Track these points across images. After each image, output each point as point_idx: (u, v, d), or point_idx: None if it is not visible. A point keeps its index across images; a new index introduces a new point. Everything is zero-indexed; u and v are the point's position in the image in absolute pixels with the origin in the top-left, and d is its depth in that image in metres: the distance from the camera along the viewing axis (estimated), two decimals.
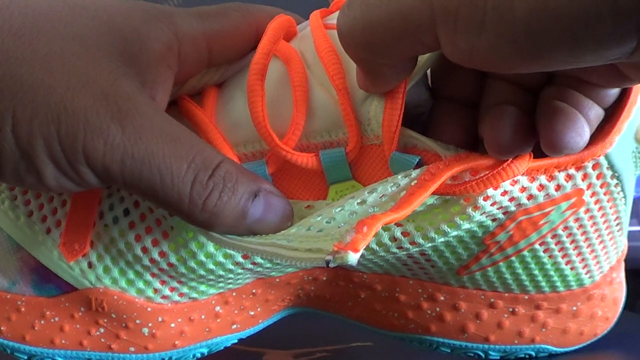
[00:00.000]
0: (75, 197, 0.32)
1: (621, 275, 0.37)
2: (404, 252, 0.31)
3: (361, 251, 0.23)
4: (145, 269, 0.32)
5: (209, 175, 0.27)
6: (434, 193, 0.28)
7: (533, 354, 0.35)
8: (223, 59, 0.32)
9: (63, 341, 0.33)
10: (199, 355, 0.35)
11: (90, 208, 0.31)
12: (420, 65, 0.28)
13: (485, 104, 0.29)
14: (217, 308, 0.34)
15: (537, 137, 0.28)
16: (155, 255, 0.31)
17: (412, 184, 0.28)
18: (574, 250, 0.32)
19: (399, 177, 0.28)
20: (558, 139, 0.26)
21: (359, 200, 0.28)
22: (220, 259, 0.31)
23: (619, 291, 0.37)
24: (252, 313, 0.35)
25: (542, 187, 0.29)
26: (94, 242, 0.32)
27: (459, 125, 0.30)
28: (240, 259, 0.31)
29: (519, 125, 0.27)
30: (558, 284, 0.34)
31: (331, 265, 0.23)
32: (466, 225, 0.30)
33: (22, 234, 0.32)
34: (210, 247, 0.31)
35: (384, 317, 0.36)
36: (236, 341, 0.35)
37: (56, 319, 0.33)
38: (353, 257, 0.23)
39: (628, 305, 0.37)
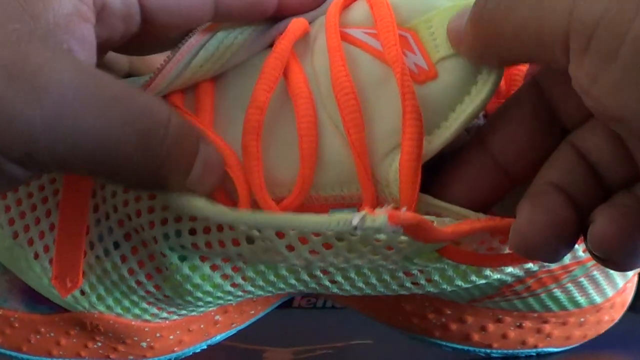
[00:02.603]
0: (62, 224, 0.29)
1: (634, 280, 0.35)
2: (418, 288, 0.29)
3: (397, 227, 0.21)
4: (141, 299, 0.30)
5: (164, 134, 0.24)
6: (463, 262, 0.26)
7: (534, 354, 0.35)
8: (165, 20, 0.28)
9: (61, 352, 0.32)
10: (198, 350, 0.35)
11: (79, 237, 0.29)
12: (465, 117, 0.25)
13: (537, 181, 0.25)
14: (217, 317, 0.33)
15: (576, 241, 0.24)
16: (151, 288, 0.30)
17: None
18: (593, 289, 0.31)
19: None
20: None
21: None
22: (219, 294, 0.30)
23: (629, 295, 0.36)
24: (252, 312, 0.34)
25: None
26: (86, 271, 0.30)
27: (483, 183, 0.26)
28: (240, 293, 0.30)
29: (563, 226, 0.23)
30: (568, 306, 0.33)
31: (359, 228, 0.21)
32: (482, 281, 0.28)
33: (9, 258, 0.30)
34: (208, 287, 0.29)
35: (387, 315, 0.35)
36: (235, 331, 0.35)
37: (52, 334, 0.32)
38: (386, 221, 0.20)
39: (629, 306, 0.37)
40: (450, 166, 0.27)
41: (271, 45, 0.30)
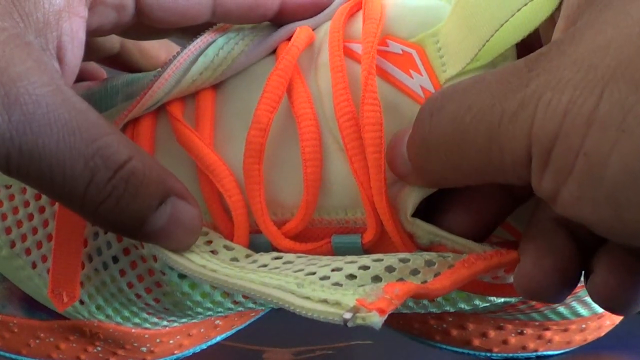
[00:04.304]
0: (58, 237, 0.29)
1: None
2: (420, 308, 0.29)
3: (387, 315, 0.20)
4: (140, 310, 0.30)
5: (109, 177, 0.23)
6: (468, 290, 0.26)
7: (534, 357, 0.35)
8: (160, 16, 0.28)
9: (60, 356, 0.32)
10: (197, 350, 0.35)
11: (76, 251, 0.28)
12: None
13: (538, 216, 0.24)
14: (217, 322, 0.33)
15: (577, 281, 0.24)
16: (150, 301, 0.29)
17: (447, 267, 0.24)
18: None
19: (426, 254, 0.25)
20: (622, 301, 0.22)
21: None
22: (220, 309, 0.29)
23: None
24: (252, 314, 0.34)
25: None
26: (84, 282, 0.29)
27: (488, 206, 0.26)
28: (240, 308, 0.30)
29: (568, 268, 0.23)
30: (570, 317, 0.32)
31: (349, 325, 0.21)
32: (485, 304, 0.28)
33: (7, 267, 0.30)
34: (208, 304, 0.29)
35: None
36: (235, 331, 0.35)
37: (51, 339, 0.32)
38: (378, 320, 0.20)
39: None
40: (456, 190, 0.26)
41: (273, 51, 0.29)
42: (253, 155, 0.26)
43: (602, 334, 0.35)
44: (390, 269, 0.23)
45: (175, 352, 0.33)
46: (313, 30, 0.29)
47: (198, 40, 0.29)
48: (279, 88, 0.26)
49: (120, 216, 0.24)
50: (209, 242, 0.27)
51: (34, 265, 0.30)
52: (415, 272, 0.23)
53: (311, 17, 0.30)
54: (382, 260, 0.23)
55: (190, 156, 0.27)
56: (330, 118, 0.26)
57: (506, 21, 0.24)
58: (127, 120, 0.28)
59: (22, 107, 0.22)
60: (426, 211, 0.26)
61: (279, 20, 0.30)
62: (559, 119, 0.20)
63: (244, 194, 0.26)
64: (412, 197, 0.25)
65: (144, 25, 0.29)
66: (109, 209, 0.24)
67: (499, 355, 0.35)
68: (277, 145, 0.27)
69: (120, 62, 0.36)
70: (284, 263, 0.25)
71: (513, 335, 0.33)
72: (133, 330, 0.31)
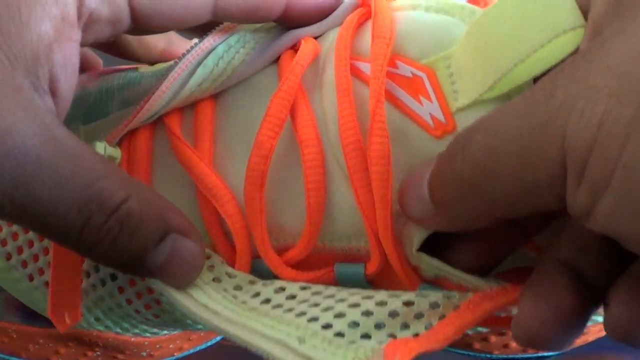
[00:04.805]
0: (56, 255, 0.28)
1: None
2: None
3: None
4: (140, 322, 0.30)
5: (103, 221, 0.23)
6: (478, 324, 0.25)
7: (534, 357, 0.35)
8: (158, 24, 0.27)
9: (60, 359, 0.32)
10: (198, 349, 0.35)
11: (76, 272, 0.27)
12: None
13: (545, 256, 0.23)
14: None
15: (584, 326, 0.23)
16: (150, 317, 0.29)
17: (453, 308, 0.24)
18: (600, 314, 0.30)
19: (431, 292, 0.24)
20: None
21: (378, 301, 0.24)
22: None
23: None
24: None
25: None
26: (82, 296, 0.29)
27: (496, 240, 0.25)
28: None
29: (570, 316, 0.22)
30: None
31: None
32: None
33: (5, 279, 0.29)
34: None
35: None
36: None
37: (50, 344, 0.32)
38: None
39: None
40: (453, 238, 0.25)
41: (276, 60, 0.28)
42: (254, 182, 0.25)
43: (604, 334, 0.35)
44: (394, 314, 0.22)
45: (175, 354, 0.33)
46: (318, 38, 0.28)
47: (197, 48, 0.27)
48: (282, 111, 0.25)
49: (117, 255, 0.23)
50: (212, 268, 0.26)
51: (31, 278, 0.29)
52: (419, 315, 0.23)
53: (316, 22, 0.28)
54: (385, 304, 0.23)
55: (189, 175, 0.26)
56: (335, 143, 0.25)
57: (527, 57, 0.22)
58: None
59: (13, 162, 0.22)
60: (431, 239, 0.25)
61: (283, 22, 0.28)
62: (594, 130, 0.19)
63: (245, 218, 0.26)
64: (418, 233, 0.24)
65: (142, 31, 0.28)
66: (105, 250, 0.23)
67: (500, 356, 0.35)
68: (280, 168, 0.26)
69: (117, 49, 0.35)
70: (287, 298, 0.24)
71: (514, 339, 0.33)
72: (133, 339, 0.31)
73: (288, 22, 0.28)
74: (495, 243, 0.25)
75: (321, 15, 0.28)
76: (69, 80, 0.25)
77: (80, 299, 0.28)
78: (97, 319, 0.30)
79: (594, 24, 0.22)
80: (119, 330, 0.30)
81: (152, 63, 0.33)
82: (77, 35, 0.25)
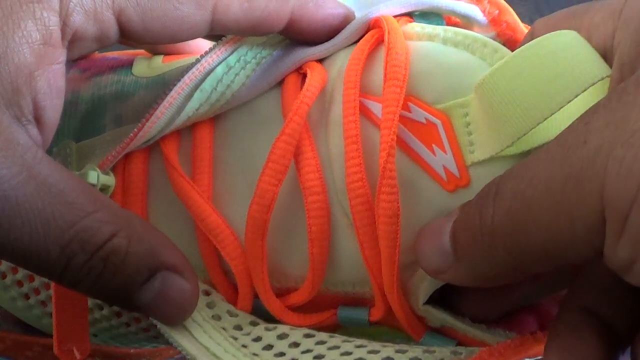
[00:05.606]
0: (58, 293, 0.27)
1: None
2: None
3: None
4: (139, 339, 0.29)
5: (86, 260, 0.23)
6: None
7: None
8: (148, 40, 0.25)
9: None
10: None
11: (82, 305, 0.26)
12: None
13: (567, 305, 0.22)
14: None
15: None
16: (149, 337, 0.29)
17: None
18: None
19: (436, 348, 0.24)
20: None
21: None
22: None
23: None
24: None
25: None
26: None
27: (504, 294, 0.24)
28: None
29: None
30: None
31: None
32: None
33: (3, 297, 0.28)
34: None
35: None
36: None
37: (49, 352, 0.31)
38: None
39: None
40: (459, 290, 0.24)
41: (279, 83, 0.26)
42: (256, 231, 0.24)
43: None
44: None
45: (175, 356, 0.33)
46: (326, 60, 0.26)
47: (194, 69, 0.25)
48: (285, 156, 0.23)
49: (102, 291, 0.23)
50: (211, 304, 0.25)
51: (27, 297, 0.28)
52: None
53: (322, 40, 0.26)
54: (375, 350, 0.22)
55: (188, 211, 0.25)
56: (340, 190, 0.24)
57: (545, 119, 0.21)
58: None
59: None
60: (443, 296, 0.25)
61: (288, 35, 0.27)
62: (636, 179, 0.18)
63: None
64: (425, 286, 0.24)
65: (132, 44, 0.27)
66: (88, 287, 0.23)
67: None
68: (283, 215, 0.24)
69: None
70: (290, 345, 0.24)
71: None
72: (132, 351, 0.31)
73: (294, 35, 0.27)
74: (505, 290, 0.24)
75: (329, 31, 0.26)
76: (54, 105, 0.24)
77: (88, 331, 0.27)
78: (95, 336, 0.29)
79: (621, 66, 0.21)
80: (118, 344, 0.30)
81: (153, 53, 0.31)
82: (61, 56, 0.24)
